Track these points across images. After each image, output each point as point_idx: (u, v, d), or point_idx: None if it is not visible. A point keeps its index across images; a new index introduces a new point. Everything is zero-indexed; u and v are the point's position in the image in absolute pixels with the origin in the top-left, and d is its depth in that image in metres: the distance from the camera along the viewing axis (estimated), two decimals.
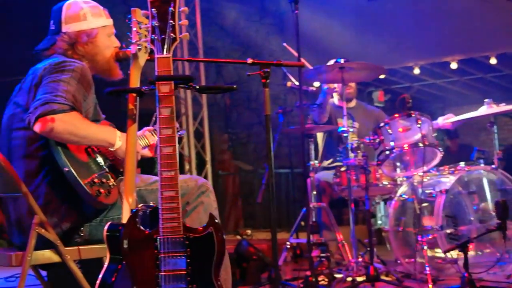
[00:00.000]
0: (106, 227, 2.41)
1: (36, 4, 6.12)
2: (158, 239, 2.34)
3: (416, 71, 9.82)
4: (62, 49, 3.08)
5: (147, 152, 3.28)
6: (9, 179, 2.80)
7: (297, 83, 5.39)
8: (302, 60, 4.23)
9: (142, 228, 2.36)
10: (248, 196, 9.60)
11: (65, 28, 3.11)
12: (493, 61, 8.92)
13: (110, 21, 3.22)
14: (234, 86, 2.61)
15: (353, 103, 5.86)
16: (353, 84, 5.74)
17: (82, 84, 2.90)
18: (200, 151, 7.98)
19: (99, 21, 3.16)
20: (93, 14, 3.15)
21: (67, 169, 2.77)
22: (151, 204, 2.51)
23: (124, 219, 2.49)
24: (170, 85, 2.39)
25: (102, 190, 2.84)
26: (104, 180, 2.88)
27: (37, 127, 2.73)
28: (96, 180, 2.84)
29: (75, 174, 2.77)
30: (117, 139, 2.91)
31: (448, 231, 4.41)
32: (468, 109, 4.98)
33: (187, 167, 7.77)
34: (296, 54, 4.29)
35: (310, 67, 4.97)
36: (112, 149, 2.92)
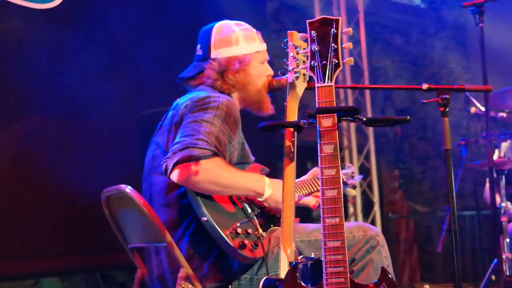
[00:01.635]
0: (261, 283, 2.45)
1: (175, 27, 6.39)
2: None
3: None
4: (211, 79, 3.15)
5: (310, 200, 3.29)
6: (151, 228, 2.90)
7: (482, 108, 5.27)
8: None
9: (303, 284, 2.39)
10: (424, 243, 9.40)
11: (214, 54, 3.17)
12: None
13: (263, 46, 3.26)
14: (408, 117, 2.58)
15: None
16: None
17: (227, 122, 2.94)
18: (366, 190, 7.92)
19: (252, 46, 3.21)
20: (246, 38, 3.20)
21: (205, 218, 2.83)
22: (313, 256, 2.53)
23: (282, 274, 2.52)
24: (333, 118, 2.40)
25: (247, 242, 2.86)
26: (250, 230, 2.90)
27: (174, 176, 2.81)
28: (239, 230, 2.87)
29: (215, 224, 2.82)
30: (266, 187, 2.94)
31: None
32: None
33: (351, 209, 7.75)
34: None
35: None
36: (260, 199, 2.97)
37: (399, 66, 9.91)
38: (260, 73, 3.22)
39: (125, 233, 3.21)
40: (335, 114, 2.40)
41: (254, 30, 3.26)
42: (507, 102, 4.87)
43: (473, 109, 5.31)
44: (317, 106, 2.41)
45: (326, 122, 2.41)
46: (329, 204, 2.39)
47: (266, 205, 2.99)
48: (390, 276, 2.39)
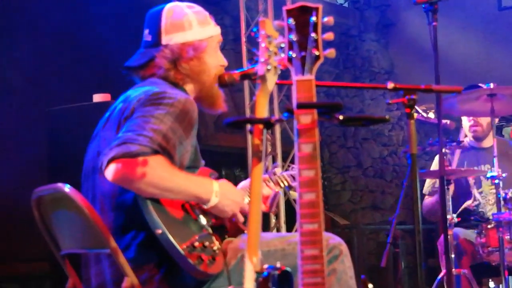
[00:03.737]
0: None
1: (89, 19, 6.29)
2: None
3: None
4: (163, 68, 3.06)
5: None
6: (93, 232, 2.82)
7: (424, 114, 5.37)
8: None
9: None
10: None
11: (165, 39, 3.08)
12: None
13: (218, 30, 3.19)
14: (387, 117, 2.59)
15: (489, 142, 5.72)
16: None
17: (181, 123, 2.87)
18: (290, 200, 7.89)
19: (206, 30, 3.13)
20: (199, 22, 3.12)
21: (160, 231, 2.75)
22: (277, 266, 2.51)
23: (247, 284, 2.48)
24: (313, 114, 2.36)
25: (204, 257, 2.81)
26: (206, 243, 2.85)
27: (108, 173, 2.73)
28: (196, 244, 2.81)
29: (171, 238, 2.75)
30: (212, 195, 2.88)
31: None
32: None
33: (273, 220, 7.74)
34: None
35: None
36: (206, 207, 2.91)
37: (320, 68, 9.97)
38: (215, 63, 3.15)
39: (58, 238, 3.11)
40: (316, 110, 2.38)
41: (207, 12, 3.19)
42: (454, 108, 4.97)
43: (414, 115, 5.38)
44: (295, 101, 2.37)
45: (305, 119, 2.35)
46: (307, 208, 2.35)
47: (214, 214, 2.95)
48: (370, 286, 2.39)
